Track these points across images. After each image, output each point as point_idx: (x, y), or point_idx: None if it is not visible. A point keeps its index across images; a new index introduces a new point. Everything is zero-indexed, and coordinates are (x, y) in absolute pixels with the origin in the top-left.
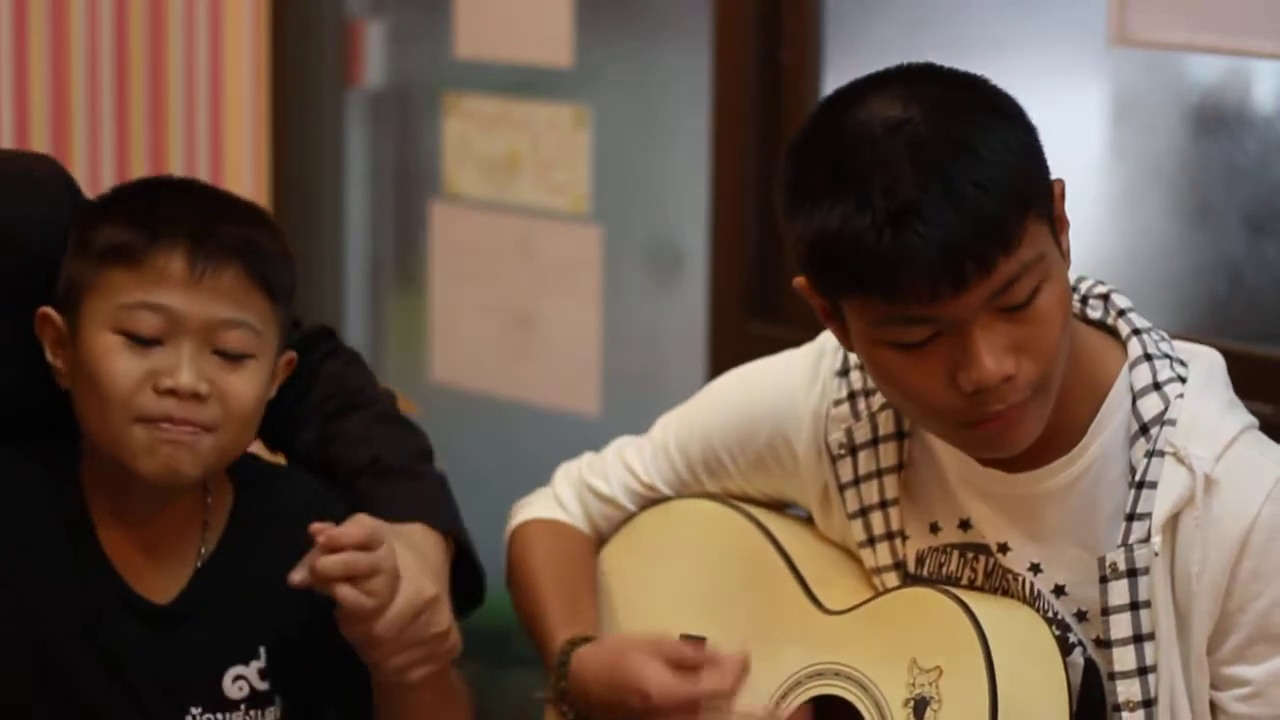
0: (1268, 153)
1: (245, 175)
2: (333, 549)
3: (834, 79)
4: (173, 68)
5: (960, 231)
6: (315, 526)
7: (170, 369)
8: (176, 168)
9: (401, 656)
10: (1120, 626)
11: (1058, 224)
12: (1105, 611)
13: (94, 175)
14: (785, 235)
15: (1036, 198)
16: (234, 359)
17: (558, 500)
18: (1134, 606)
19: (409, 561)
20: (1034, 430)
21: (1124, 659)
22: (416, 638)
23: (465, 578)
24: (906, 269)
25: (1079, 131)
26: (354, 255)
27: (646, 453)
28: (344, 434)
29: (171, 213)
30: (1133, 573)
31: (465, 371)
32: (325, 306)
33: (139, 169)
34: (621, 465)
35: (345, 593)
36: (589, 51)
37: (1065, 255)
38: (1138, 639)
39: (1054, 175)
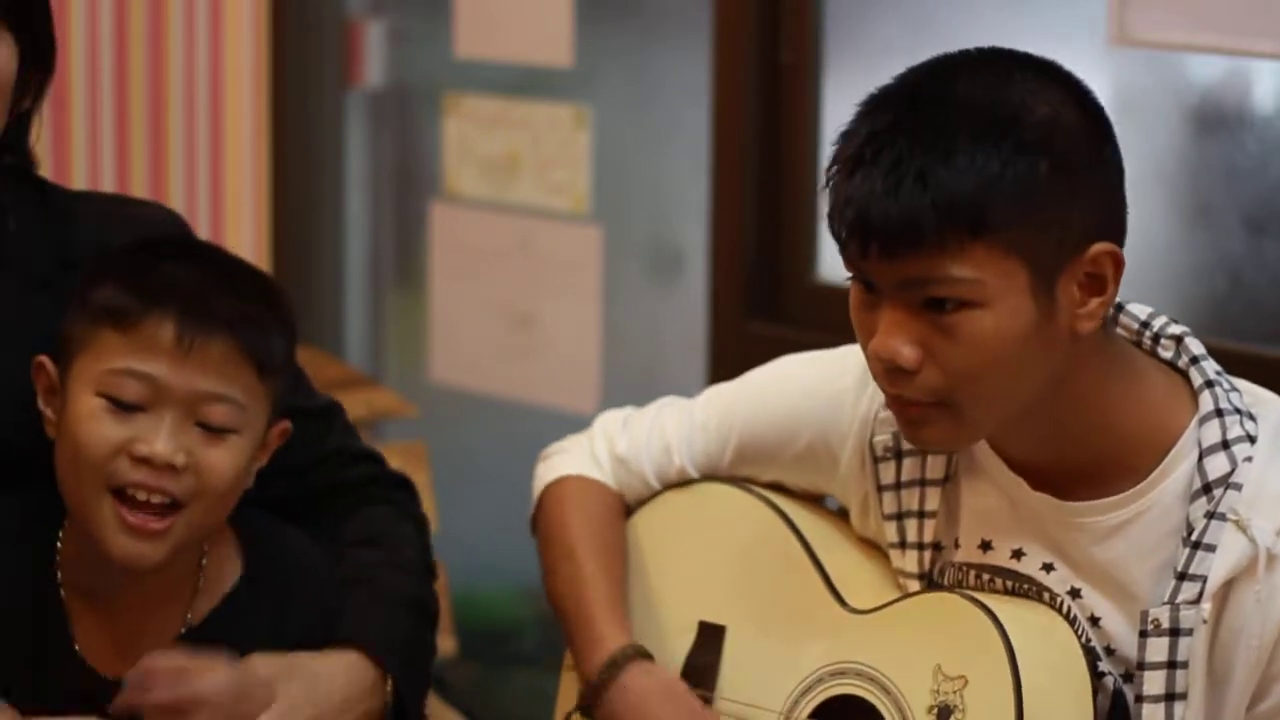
0: (1268, 153)
1: (245, 175)
2: (144, 687)
3: (834, 79)
4: (173, 68)
5: (880, 206)
6: (142, 666)
7: (148, 437)
8: (176, 168)
9: None
10: (1154, 683)
11: (1085, 281)
12: (1141, 666)
13: (94, 175)
14: None
15: (1004, 231)
16: (216, 433)
17: (594, 458)
18: (1171, 665)
19: (293, 694)
20: (942, 440)
21: (1154, 716)
22: None
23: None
24: (838, 208)
25: None
26: (354, 255)
27: (685, 430)
28: (353, 557)
29: (169, 279)
30: (1175, 632)
31: (465, 371)
32: (325, 306)
33: (139, 169)
34: (658, 440)
35: None
36: (589, 51)
37: (1084, 318)
38: (1170, 697)
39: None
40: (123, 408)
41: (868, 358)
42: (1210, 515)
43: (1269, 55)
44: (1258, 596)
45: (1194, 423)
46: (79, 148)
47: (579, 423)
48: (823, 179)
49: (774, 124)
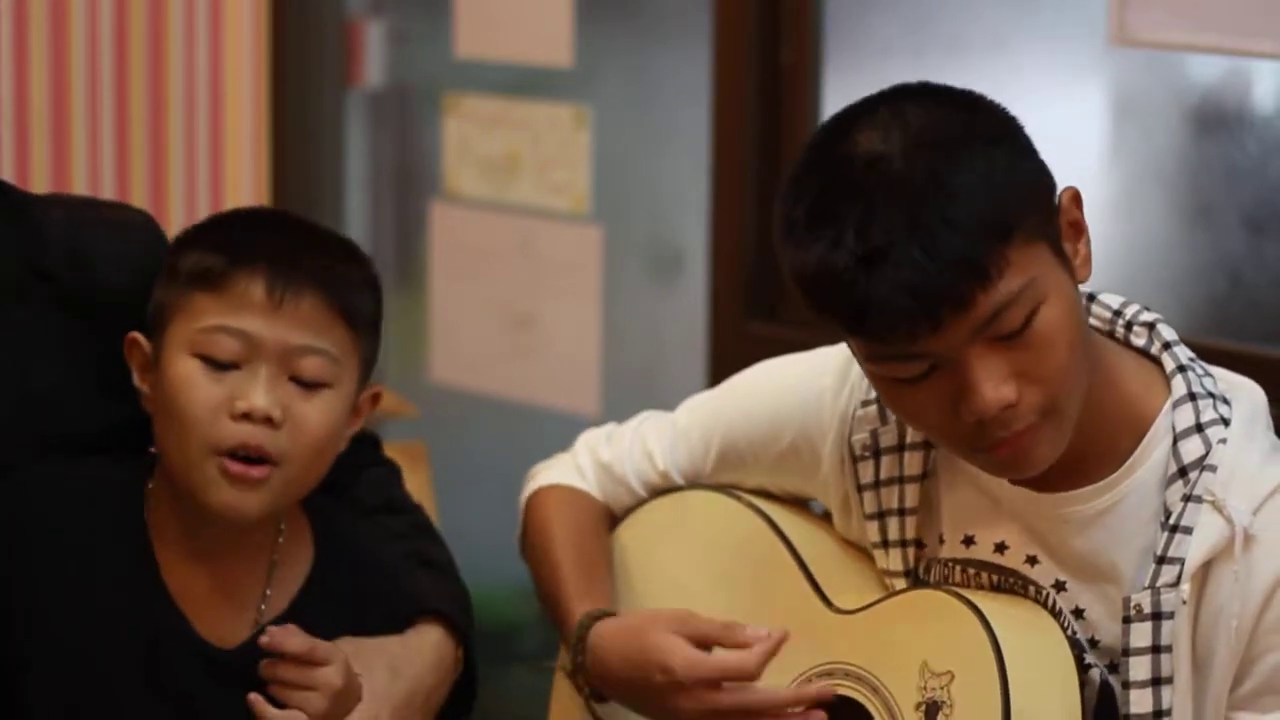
0: (1268, 153)
1: (245, 175)
2: (274, 650)
3: (834, 79)
4: (173, 67)
5: (930, 273)
6: (269, 632)
7: (245, 392)
8: (177, 168)
9: None
10: (1139, 669)
11: (1068, 232)
12: (1126, 653)
13: (94, 175)
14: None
15: (1024, 221)
16: (310, 387)
17: (578, 469)
18: (1155, 650)
19: (377, 683)
20: (1050, 452)
21: (1141, 701)
22: None
23: (460, 685)
24: (879, 312)
25: (1079, 131)
26: None
27: (667, 438)
28: (384, 526)
29: (256, 240)
30: (1157, 616)
31: (465, 371)
32: None
33: (139, 170)
34: (640, 449)
35: (256, 701)
36: (589, 51)
37: (1081, 264)
38: (1156, 682)
39: (1063, 183)
40: (218, 366)
41: (949, 425)
42: (1187, 498)
43: (1269, 55)
44: (1236, 576)
45: (1167, 407)
46: (79, 148)
47: (579, 423)
48: (809, 284)
49: (774, 124)
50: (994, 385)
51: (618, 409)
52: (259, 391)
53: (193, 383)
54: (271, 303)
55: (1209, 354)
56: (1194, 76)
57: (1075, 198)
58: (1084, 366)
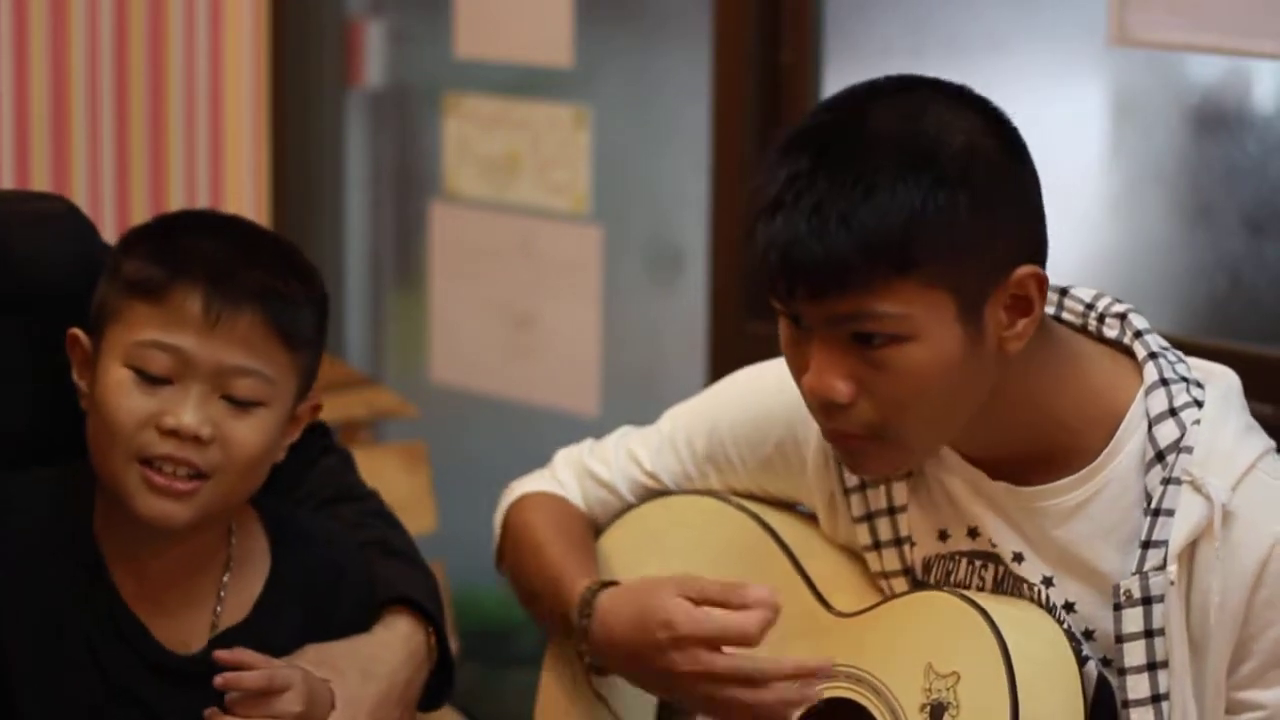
0: (1268, 153)
1: (245, 175)
2: (229, 687)
3: (834, 79)
4: (173, 68)
5: (805, 249)
6: (219, 655)
7: (175, 409)
8: (177, 168)
9: None
10: (1134, 654)
11: (1011, 304)
12: (1119, 639)
13: (94, 175)
14: None
15: (929, 267)
16: (242, 406)
17: (557, 480)
18: (1148, 634)
19: (350, 688)
20: (882, 468)
21: (1138, 687)
22: None
23: (437, 670)
24: (758, 254)
25: (1079, 131)
26: (354, 255)
27: (653, 444)
28: (340, 517)
29: (197, 251)
30: (1147, 600)
31: (465, 371)
32: None
33: (139, 169)
34: (626, 454)
35: (214, 716)
36: (589, 51)
37: (1014, 338)
38: (1151, 666)
39: (1064, 182)
40: (150, 380)
41: (802, 392)
42: (1166, 481)
43: (1269, 55)
44: (1217, 554)
45: (1140, 395)
46: (79, 148)
47: (579, 423)
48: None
49: (774, 124)
50: (823, 375)
51: (618, 409)
52: (188, 409)
53: (124, 392)
54: (207, 321)
55: (1209, 354)
56: (1194, 76)
57: (1039, 280)
58: (948, 418)
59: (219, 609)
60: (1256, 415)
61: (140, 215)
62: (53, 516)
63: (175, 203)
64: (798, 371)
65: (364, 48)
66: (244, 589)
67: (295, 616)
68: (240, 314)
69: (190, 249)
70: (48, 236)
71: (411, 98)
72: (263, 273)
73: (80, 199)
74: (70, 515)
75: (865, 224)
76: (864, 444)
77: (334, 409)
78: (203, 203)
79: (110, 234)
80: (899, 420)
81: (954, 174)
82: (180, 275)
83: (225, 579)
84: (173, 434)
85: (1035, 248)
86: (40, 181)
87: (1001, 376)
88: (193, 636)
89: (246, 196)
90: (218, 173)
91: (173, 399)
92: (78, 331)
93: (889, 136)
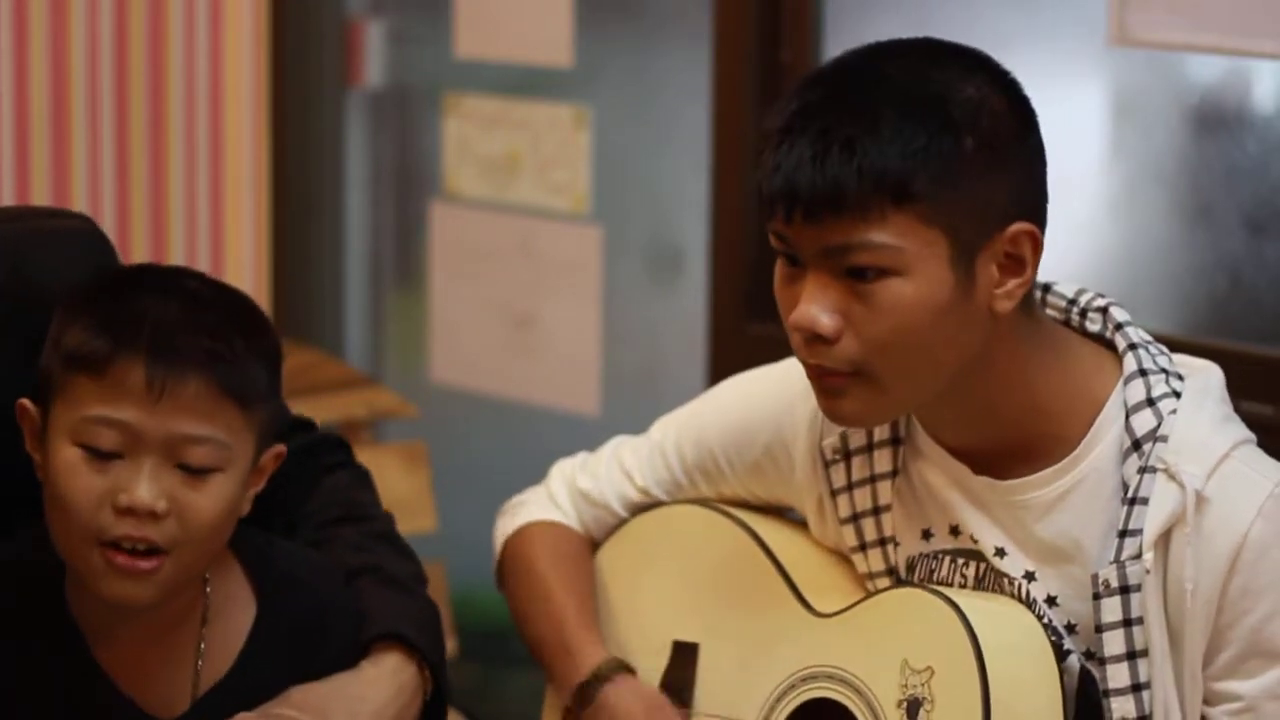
0: (1268, 153)
1: (245, 175)
2: None
3: None
4: (173, 68)
5: (806, 173)
6: None
7: (128, 485)
8: (177, 168)
9: None
10: (1114, 643)
11: (1004, 263)
12: (1099, 629)
13: (94, 176)
14: None
15: (927, 203)
16: (198, 474)
17: (553, 500)
18: (1127, 623)
19: None
20: (857, 411)
21: (1118, 676)
22: None
23: (432, 703)
24: (765, 177)
25: (1079, 131)
26: (354, 255)
27: (643, 454)
28: (340, 540)
29: (138, 317)
30: (1125, 589)
31: (465, 371)
32: (325, 306)
33: (139, 170)
34: (618, 469)
35: None
36: (589, 51)
37: (1002, 297)
38: (1131, 655)
39: (1063, 183)
40: (101, 455)
41: (789, 330)
42: (1142, 470)
43: (1269, 55)
44: (1189, 540)
45: (1119, 385)
46: (79, 148)
47: (579, 423)
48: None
49: None
50: (812, 306)
51: (618, 409)
52: (141, 485)
53: (75, 471)
54: (151, 393)
55: (1209, 354)
56: (1194, 76)
57: (1033, 240)
58: (930, 368)
59: (200, 663)
60: (1256, 415)
61: (140, 215)
62: (23, 600)
63: (175, 203)
64: (788, 310)
65: (364, 48)
66: (225, 641)
67: (281, 664)
68: (185, 382)
69: (131, 316)
70: (65, 255)
71: (411, 98)
72: (207, 337)
73: (80, 200)
74: (44, 591)
75: (867, 152)
76: (844, 381)
77: (334, 409)
78: (203, 203)
79: (110, 234)
80: (880, 360)
81: (961, 119)
82: (121, 347)
83: (204, 631)
84: (129, 511)
85: (1035, 208)
86: (40, 182)
87: (987, 348)
88: (175, 698)
89: (246, 196)
90: (218, 173)
91: (125, 474)
92: (26, 402)
93: (902, 80)
